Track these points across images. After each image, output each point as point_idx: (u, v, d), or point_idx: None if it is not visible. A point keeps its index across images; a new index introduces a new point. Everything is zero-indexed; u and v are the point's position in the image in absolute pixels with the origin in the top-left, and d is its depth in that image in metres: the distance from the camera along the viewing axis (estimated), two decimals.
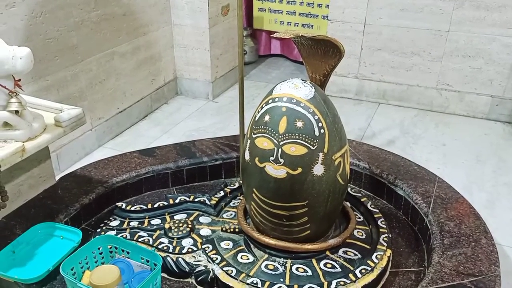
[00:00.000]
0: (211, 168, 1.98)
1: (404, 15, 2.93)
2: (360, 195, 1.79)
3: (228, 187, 1.85)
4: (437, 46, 2.93)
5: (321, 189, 1.38)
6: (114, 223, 1.70)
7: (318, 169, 1.35)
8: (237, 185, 1.85)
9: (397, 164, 1.91)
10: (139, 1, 2.70)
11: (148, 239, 1.59)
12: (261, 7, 3.77)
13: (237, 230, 1.61)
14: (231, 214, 1.72)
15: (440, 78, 3.01)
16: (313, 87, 1.37)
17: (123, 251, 1.43)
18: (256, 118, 1.40)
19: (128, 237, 1.60)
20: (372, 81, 3.18)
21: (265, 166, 1.37)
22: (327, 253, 1.51)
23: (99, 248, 1.43)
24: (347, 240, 1.55)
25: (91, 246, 1.40)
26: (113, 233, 1.62)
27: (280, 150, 1.33)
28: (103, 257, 1.44)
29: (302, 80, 1.40)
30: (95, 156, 2.43)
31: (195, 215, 1.73)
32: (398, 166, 1.89)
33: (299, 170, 1.33)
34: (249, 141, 1.43)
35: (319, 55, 1.53)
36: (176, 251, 1.53)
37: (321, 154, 1.34)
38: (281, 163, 1.34)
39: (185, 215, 1.73)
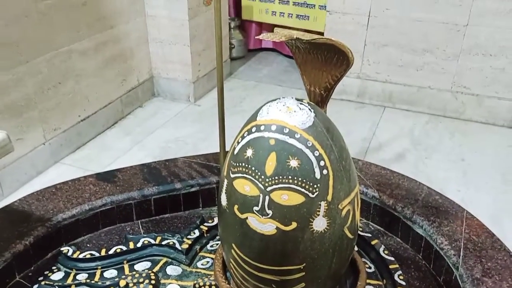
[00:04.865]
0: (186, 197, 1.62)
1: (416, 5, 2.62)
2: (369, 235, 1.45)
3: (205, 224, 1.49)
4: (453, 42, 2.63)
5: (324, 248, 1.03)
6: (57, 275, 1.34)
7: (320, 223, 1.00)
8: (216, 220, 1.49)
9: (414, 192, 1.57)
10: None
11: None
12: None
13: None
14: (208, 262, 1.37)
15: (456, 79, 2.71)
16: (312, 110, 1.01)
17: None
18: (235, 152, 1.03)
19: None
20: (377, 82, 2.88)
21: (247, 218, 1.01)
22: None
23: None
24: None
25: None
26: None
27: (267, 198, 0.98)
28: None
29: (298, 100, 1.03)
30: (50, 174, 2.08)
31: (161, 263, 1.38)
32: (415, 195, 1.55)
33: (294, 225, 0.99)
34: (226, 181, 1.06)
35: (319, 63, 1.18)
36: None
37: (323, 204, 0.98)
38: (269, 216, 0.99)
39: (149, 264, 1.38)
